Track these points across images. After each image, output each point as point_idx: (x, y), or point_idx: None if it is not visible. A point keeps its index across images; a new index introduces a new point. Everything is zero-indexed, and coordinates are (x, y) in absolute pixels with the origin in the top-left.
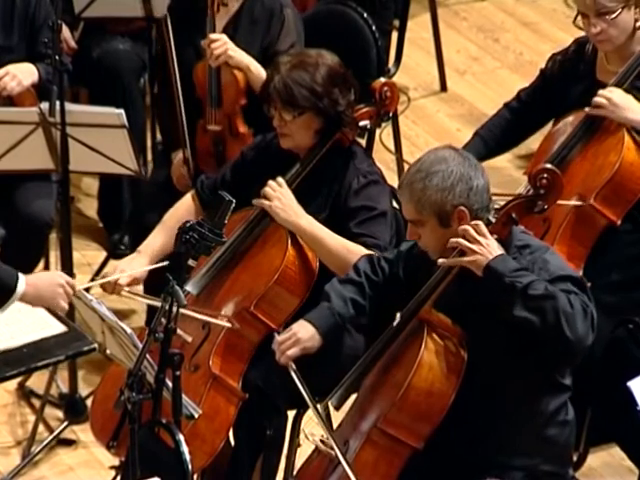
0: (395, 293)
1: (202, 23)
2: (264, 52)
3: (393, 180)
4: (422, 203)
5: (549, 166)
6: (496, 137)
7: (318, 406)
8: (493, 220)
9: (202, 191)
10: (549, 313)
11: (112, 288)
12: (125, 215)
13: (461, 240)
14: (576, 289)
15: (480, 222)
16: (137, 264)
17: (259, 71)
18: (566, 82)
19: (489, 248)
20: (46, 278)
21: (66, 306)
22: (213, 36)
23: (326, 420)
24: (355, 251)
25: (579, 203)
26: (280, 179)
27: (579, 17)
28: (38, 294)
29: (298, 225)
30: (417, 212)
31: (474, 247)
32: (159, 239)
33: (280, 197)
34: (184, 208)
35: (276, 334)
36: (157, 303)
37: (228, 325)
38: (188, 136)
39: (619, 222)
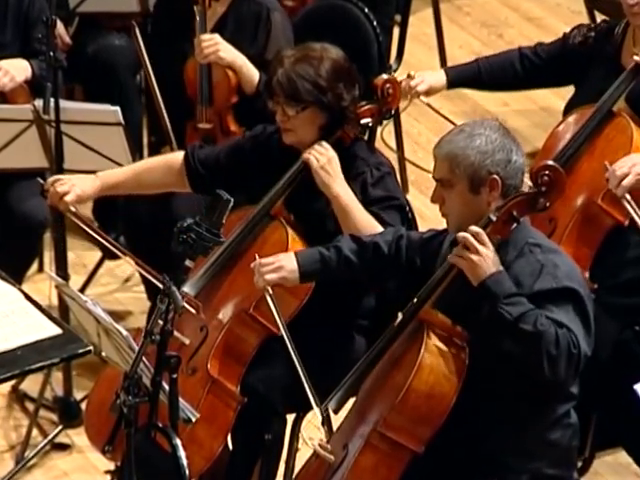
0: (402, 275)
1: (190, 22)
2: (251, 61)
3: (397, 172)
4: (458, 161)
5: (551, 163)
6: (493, 75)
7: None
8: (494, 218)
9: (192, 157)
10: (533, 352)
11: (57, 200)
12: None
13: (460, 247)
14: (575, 311)
15: (482, 231)
16: (88, 184)
17: (251, 73)
18: (589, 60)
19: (488, 260)
20: None
21: None
22: (205, 36)
23: (325, 423)
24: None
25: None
26: (324, 143)
27: None
28: None
29: (337, 192)
30: (450, 170)
31: (473, 257)
32: (120, 176)
33: (329, 160)
34: (166, 163)
35: (257, 255)
36: (96, 236)
37: (193, 311)
38: (176, 134)
39: (626, 222)
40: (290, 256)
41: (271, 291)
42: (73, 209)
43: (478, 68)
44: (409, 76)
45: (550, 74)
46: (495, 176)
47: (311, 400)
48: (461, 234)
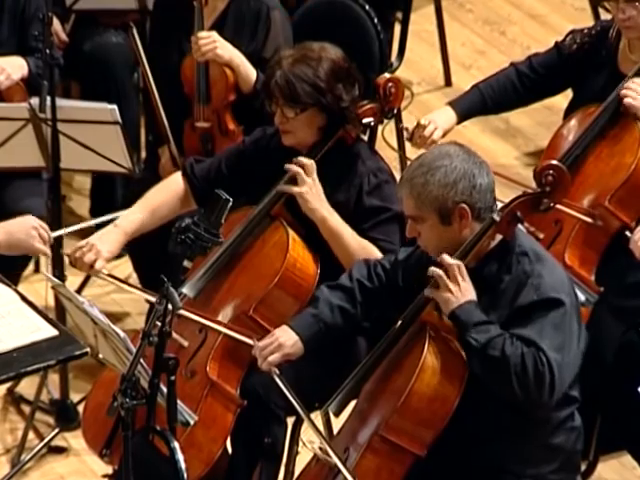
0: (392, 301)
1: (189, 19)
2: (249, 58)
3: (396, 179)
4: (422, 199)
5: (554, 162)
6: (496, 98)
7: (316, 415)
8: (497, 219)
9: (193, 177)
10: (502, 376)
11: (87, 269)
12: None
13: (441, 273)
14: (553, 321)
15: (462, 263)
16: (112, 240)
17: (248, 72)
18: (586, 67)
19: (462, 291)
20: (18, 222)
21: (43, 248)
22: (202, 34)
23: (326, 427)
24: (372, 253)
25: (589, 220)
26: (310, 161)
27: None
28: (13, 238)
29: (324, 217)
30: (417, 208)
31: (450, 285)
32: (139, 216)
33: (311, 184)
34: (172, 191)
35: (256, 340)
36: (135, 291)
37: (251, 343)
38: (174, 133)
39: (633, 224)
40: (285, 330)
41: (277, 372)
42: (105, 271)
43: (482, 96)
44: (419, 125)
45: (551, 86)
46: (462, 205)
47: (302, 415)
48: (446, 261)
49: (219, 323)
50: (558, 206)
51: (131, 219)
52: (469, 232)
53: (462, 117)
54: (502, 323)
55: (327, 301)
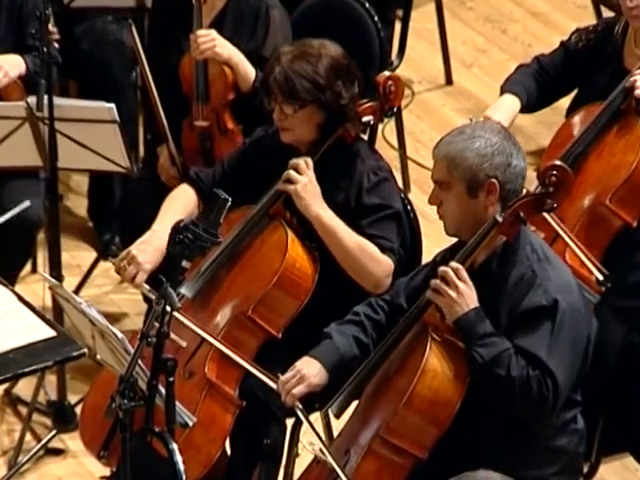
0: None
1: (188, 18)
2: (248, 57)
3: (397, 178)
4: (456, 163)
5: (558, 163)
6: (532, 96)
7: (316, 418)
8: (500, 219)
9: (201, 182)
10: (504, 393)
11: (130, 281)
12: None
13: (438, 282)
14: (558, 328)
15: (462, 267)
16: (152, 250)
17: (247, 71)
18: (591, 64)
19: (465, 298)
20: None
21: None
22: (201, 32)
23: (326, 428)
24: (370, 252)
25: (558, 229)
26: (308, 160)
27: None
28: None
29: (319, 216)
30: (448, 172)
31: (450, 292)
32: (171, 219)
33: (306, 182)
34: (186, 197)
35: (279, 374)
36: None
37: (274, 386)
38: (172, 132)
39: (635, 224)
40: (308, 361)
41: (301, 406)
42: (147, 287)
43: (524, 88)
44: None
45: (560, 86)
46: (493, 180)
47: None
48: (441, 268)
49: (244, 359)
50: (561, 233)
51: (166, 223)
52: (492, 212)
53: (525, 108)
54: (507, 322)
55: (342, 333)
